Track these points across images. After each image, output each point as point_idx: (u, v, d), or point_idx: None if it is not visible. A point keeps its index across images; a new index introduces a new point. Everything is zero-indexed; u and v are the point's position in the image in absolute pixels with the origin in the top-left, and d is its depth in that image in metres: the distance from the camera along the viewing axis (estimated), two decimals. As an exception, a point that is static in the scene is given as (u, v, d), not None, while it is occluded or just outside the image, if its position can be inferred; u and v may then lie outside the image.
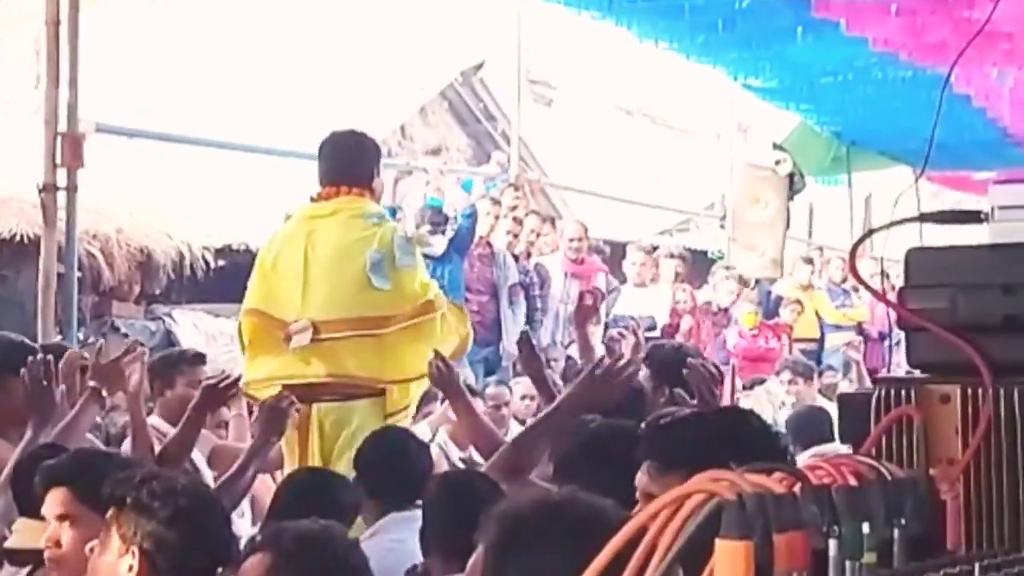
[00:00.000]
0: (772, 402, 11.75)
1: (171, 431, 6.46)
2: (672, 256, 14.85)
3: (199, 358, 7.38)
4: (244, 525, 6.66)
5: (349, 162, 6.84)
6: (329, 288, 6.56)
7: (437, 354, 6.21)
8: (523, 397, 9.77)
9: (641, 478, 3.40)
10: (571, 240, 13.28)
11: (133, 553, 3.88)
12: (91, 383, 5.77)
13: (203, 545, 3.94)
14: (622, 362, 5.42)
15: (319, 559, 3.71)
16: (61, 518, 4.41)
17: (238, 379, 6.31)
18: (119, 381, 5.91)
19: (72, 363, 5.98)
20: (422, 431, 8.07)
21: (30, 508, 4.92)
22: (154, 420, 6.77)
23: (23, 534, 4.90)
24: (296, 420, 6.37)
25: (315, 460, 6.33)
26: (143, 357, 6.22)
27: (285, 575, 3.65)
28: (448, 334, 6.68)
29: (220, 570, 4.01)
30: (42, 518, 4.75)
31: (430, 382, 6.34)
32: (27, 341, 6.54)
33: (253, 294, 6.84)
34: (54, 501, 4.46)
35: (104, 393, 5.84)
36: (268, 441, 5.95)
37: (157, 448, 6.04)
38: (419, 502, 5.32)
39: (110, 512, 3.96)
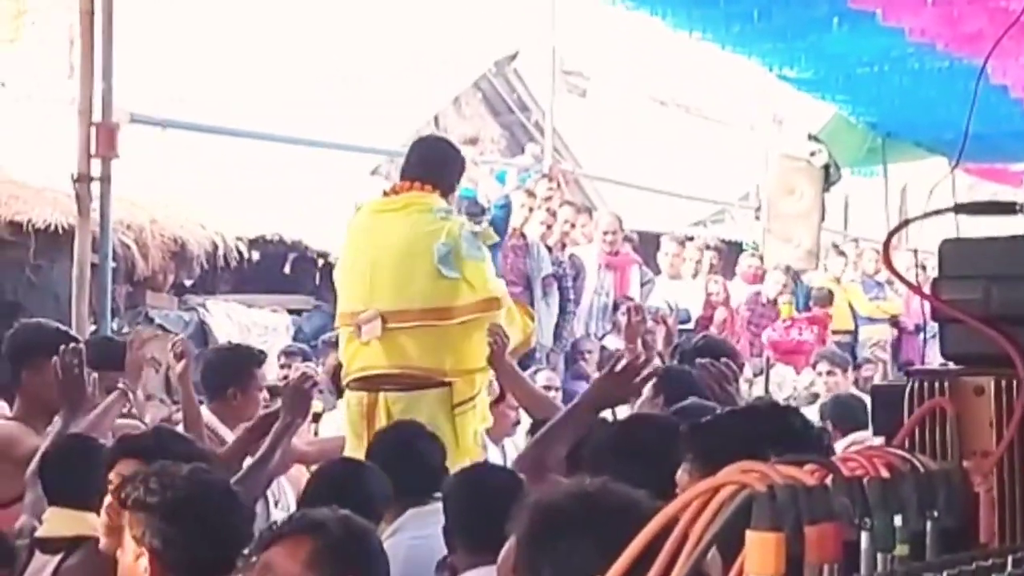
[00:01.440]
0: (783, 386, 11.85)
1: (219, 427, 6.51)
2: (707, 247, 14.85)
3: (263, 356, 7.29)
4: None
5: (433, 165, 7.05)
6: (397, 279, 6.72)
7: (497, 329, 6.30)
8: (546, 388, 9.74)
9: (681, 476, 3.39)
10: (605, 233, 13.28)
11: (145, 554, 3.87)
12: (121, 381, 5.91)
13: (210, 535, 3.92)
14: (642, 359, 5.46)
15: (361, 548, 3.68)
16: None
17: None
18: (139, 373, 6.12)
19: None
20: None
21: (60, 498, 4.97)
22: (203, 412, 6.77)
23: (54, 523, 4.94)
24: (363, 408, 6.60)
25: None
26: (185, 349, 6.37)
27: (327, 562, 3.58)
28: (510, 330, 6.78)
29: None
30: (73, 507, 4.81)
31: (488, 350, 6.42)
32: (63, 328, 6.60)
33: (338, 296, 7.12)
34: (123, 469, 4.48)
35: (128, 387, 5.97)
36: (292, 423, 5.98)
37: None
38: (437, 495, 5.35)
39: (123, 515, 3.95)
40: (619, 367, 5.40)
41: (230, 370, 6.91)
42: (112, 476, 4.48)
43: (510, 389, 6.69)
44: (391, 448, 5.82)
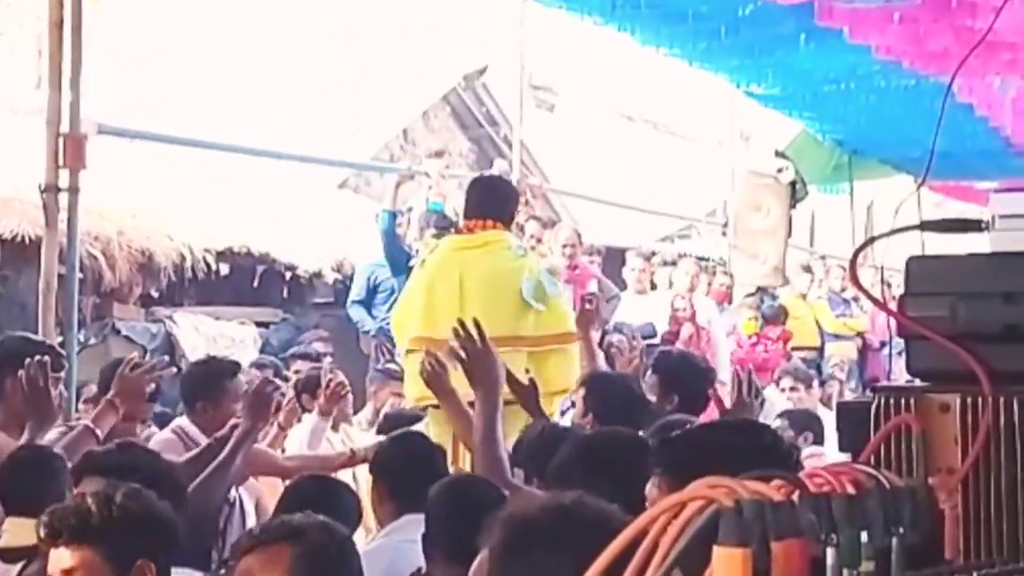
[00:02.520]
0: (768, 412, 11.76)
1: (201, 438, 6.52)
2: (672, 263, 14.87)
3: (236, 367, 7.31)
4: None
5: (495, 202, 8.00)
6: (486, 310, 7.20)
7: (430, 353, 6.36)
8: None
9: (651, 490, 3.39)
10: (564, 246, 13.24)
11: (147, 570, 3.84)
12: (110, 396, 5.94)
13: (177, 529, 3.98)
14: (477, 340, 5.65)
15: (341, 556, 3.68)
16: None
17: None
18: (139, 395, 6.15)
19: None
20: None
21: (18, 507, 4.98)
22: (183, 423, 6.77)
23: (13, 532, 4.94)
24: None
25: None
26: (167, 373, 6.43)
27: (307, 570, 3.59)
28: (577, 363, 7.56)
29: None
30: (33, 515, 4.81)
31: (423, 379, 6.46)
32: (49, 342, 6.64)
33: (416, 322, 7.72)
34: (88, 487, 4.47)
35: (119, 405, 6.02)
36: (253, 428, 5.99)
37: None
38: None
39: (80, 554, 3.85)
40: (467, 355, 5.64)
41: (199, 384, 6.95)
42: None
43: (451, 418, 6.67)
44: (396, 455, 5.90)
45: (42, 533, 3.98)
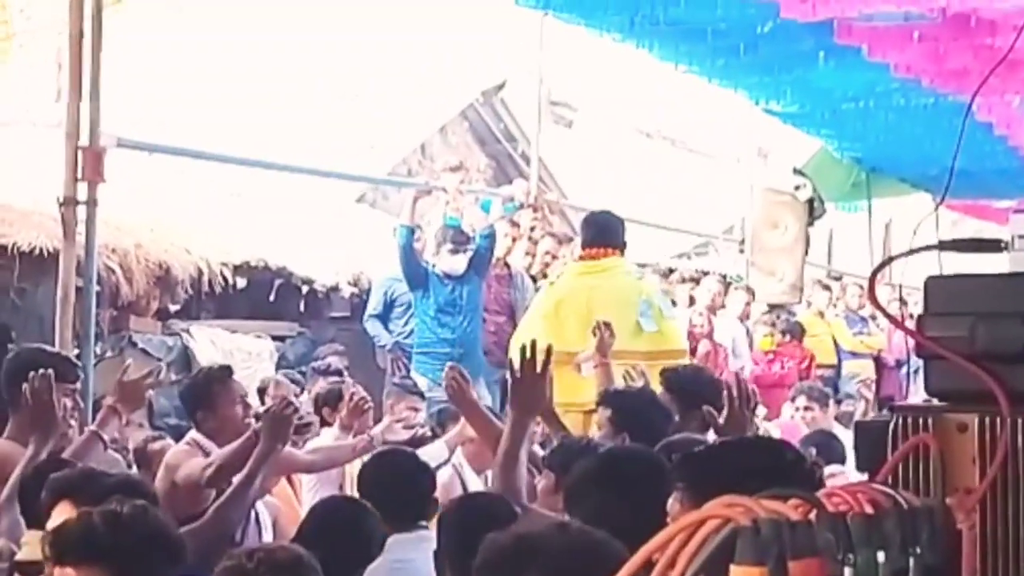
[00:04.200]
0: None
1: (213, 447, 6.52)
2: (689, 280, 14.83)
3: (226, 371, 7.32)
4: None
5: (610, 232, 9.17)
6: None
7: (453, 367, 6.39)
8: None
9: (673, 505, 3.39)
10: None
11: None
12: (110, 401, 5.94)
13: (183, 546, 3.99)
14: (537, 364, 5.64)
15: None
16: None
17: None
18: (138, 401, 6.11)
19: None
20: (439, 450, 8.15)
21: (37, 521, 4.98)
22: (195, 435, 6.79)
23: (33, 546, 4.93)
24: (580, 423, 7.86)
25: None
26: (165, 380, 6.44)
27: None
28: None
29: None
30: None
31: (447, 395, 6.60)
32: (64, 353, 6.67)
33: (539, 334, 7.88)
34: (59, 515, 4.47)
35: (120, 410, 6.02)
36: (274, 449, 5.98)
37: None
38: (422, 523, 5.41)
39: (86, 574, 3.81)
40: (519, 375, 5.61)
41: (193, 396, 6.98)
42: (49, 526, 4.45)
43: (478, 431, 6.72)
44: (380, 476, 5.88)
45: (47, 551, 3.92)
